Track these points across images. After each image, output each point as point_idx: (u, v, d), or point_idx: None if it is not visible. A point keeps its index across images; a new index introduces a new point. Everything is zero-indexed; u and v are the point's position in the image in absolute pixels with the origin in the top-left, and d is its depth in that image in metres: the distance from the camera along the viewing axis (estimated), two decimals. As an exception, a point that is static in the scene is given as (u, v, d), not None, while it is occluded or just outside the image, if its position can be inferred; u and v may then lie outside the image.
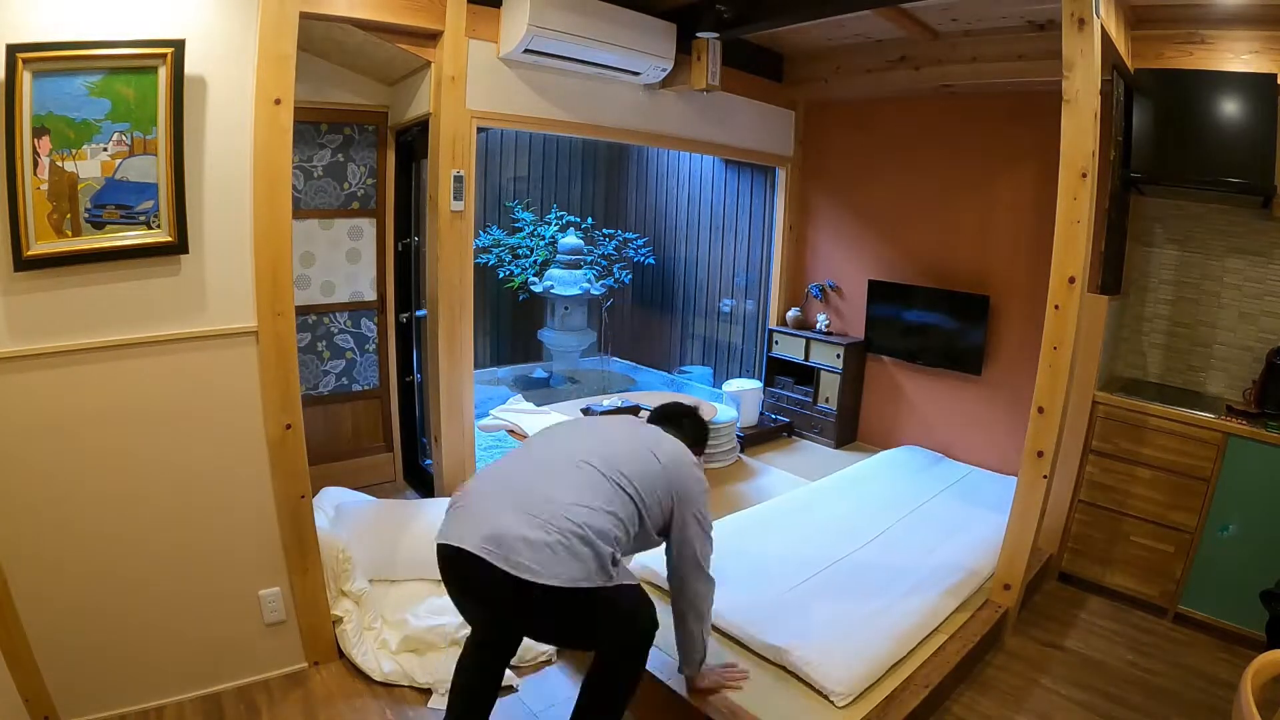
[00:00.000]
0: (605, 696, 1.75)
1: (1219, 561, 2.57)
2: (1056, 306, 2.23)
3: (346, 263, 3.39)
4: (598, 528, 1.57)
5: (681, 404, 2.19)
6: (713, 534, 1.87)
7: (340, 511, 2.78)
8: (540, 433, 1.94)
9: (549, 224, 5.27)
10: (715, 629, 2.29)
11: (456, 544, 1.53)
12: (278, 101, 1.92)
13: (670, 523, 1.81)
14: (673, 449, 1.86)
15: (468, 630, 2.22)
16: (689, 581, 1.84)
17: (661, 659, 2.16)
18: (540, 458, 1.78)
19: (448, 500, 3.02)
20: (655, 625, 1.73)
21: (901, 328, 4.02)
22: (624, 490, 1.68)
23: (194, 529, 1.99)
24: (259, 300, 1.97)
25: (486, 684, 1.84)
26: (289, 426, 2.06)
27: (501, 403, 3.69)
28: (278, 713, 2.04)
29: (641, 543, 1.80)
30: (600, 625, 1.64)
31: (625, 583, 1.63)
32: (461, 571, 1.57)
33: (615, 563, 1.60)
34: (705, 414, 2.14)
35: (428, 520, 2.80)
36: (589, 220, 5.44)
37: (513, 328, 5.59)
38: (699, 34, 3.13)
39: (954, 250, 3.80)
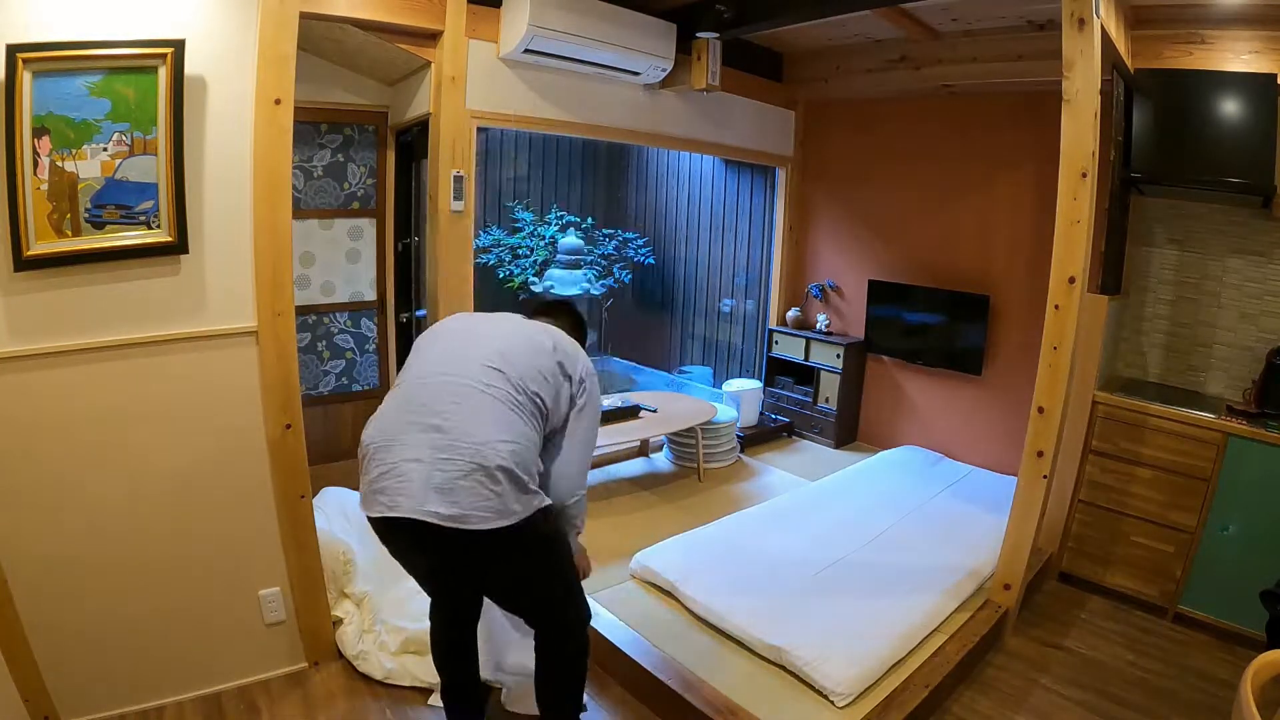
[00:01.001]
0: (555, 690, 1.77)
1: (1219, 561, 2.57)
2: (1056, 306, 2.23)
3: (346, 263, 3.39)
4: (523, 459, 1.52)
5: (554, 296, 2.05)
6: (594, 441, 1.77)
7: (345, 512, 2.78)
8: (429, 339, 1.77)
9: (549, 224, 5.27)
10: (715, 628, 2.29)
11: (393, 514, 1.47)
12: (278, 101, 1.92)
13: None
14: (566, 340, 1.77)
15: None
16: (567, 505, 1.71)
17: (655, 654, 2.16)
18: (442, 378, 1.61)
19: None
20: (588, 612, 1.77)
21: (901, 328, 4.02)
22: (535, 404, 1.61)
23: (194, 529, 1.99)
24: (259, 300, 1.97)
25: (464, 640, 1.88)
26: (289, 426, 2.06)
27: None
28: (278, 713, 2.04)
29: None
30: (537, 572, 1.65)
31: (551, 527, 1.63)
32: (403, 537, 1.57)
33: (533, 494, 1.54)
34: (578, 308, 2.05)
35: None
36: (589, 220, 5.44)
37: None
38: (699, 34, 3.13)
39: (954, 250, 3.80)
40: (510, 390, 1.58)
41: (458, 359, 1.64)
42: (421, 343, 1.78)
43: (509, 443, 1.51)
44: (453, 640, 1.88)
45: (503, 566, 1.61)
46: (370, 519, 1.56)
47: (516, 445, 1.52)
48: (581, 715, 1.88)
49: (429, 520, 1.45)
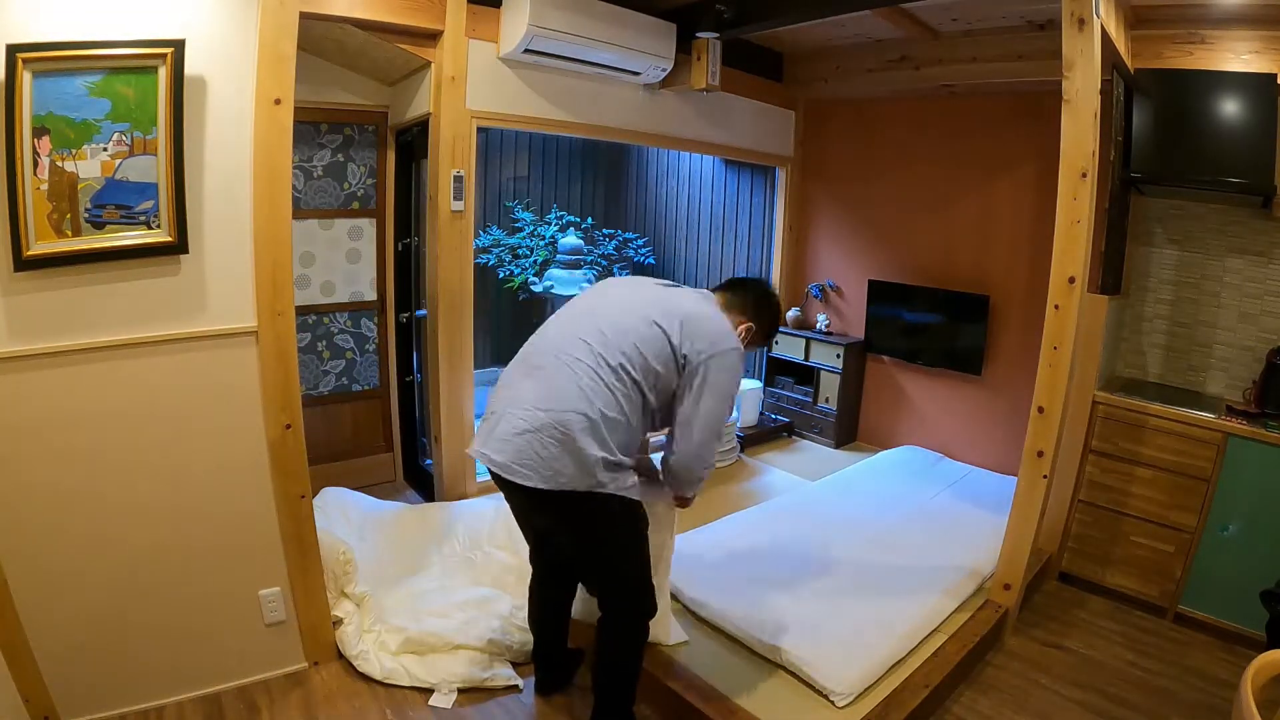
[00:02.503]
0: (608, 669, 1.85)
1: (1219, 561, 2.57)
2: (1056, 306, 2.23)
3: (346, 263, 3.39)
4: (580, 425, 1.57)
5: (754, 279, 2.06)
6: (723, 420, 1.75)
7: (345, 512, 2.78)
8: (569, 304, 1.89)
9: (549, 224, 5.27)
10: (715, 628, 2.29)
11: (481, 453, 1.67)
12: (278, 101, 1.92)
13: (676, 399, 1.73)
14: (700, 304, 1.76)
15: (467, 635, 2.22)
16: (687, 482, 1.81)
17: (655, 654, 2.16)
18: (546, 344, 1.74)
19: (448, 505, 3.03)
20: (650, 607, 1.82)
21: (901, 328, 4.02)
22: (623, 376, 1.63)
23: (194, 529, 1.99)
24: (259, 300, 1.97)
25: (554, 603, 2.04)
26: (289, 426, 2.06)
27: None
28: (278, 713, 2.04)
29: (650, 424, 1.77)
30: (599, 544, 1.73)
31: (629, 498, 1.66)
32: (494, 478, 1.70)
33: (610, 467, 1.60)
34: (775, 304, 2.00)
35: (432, 526, 2.80)
36: (589, 220, 5.43)
37: (513, 328, 5.58)
38: (699, 34, 3.13)
39: (954, 250, 3.80)
40: (596, 364, 1.63)
41: (565, 324, 1.77)
42: (567, 306, 1.88)
43: (574, 413, 1.58)
44: (541, 596, 2.04)
45: (559, 530, 1.79)
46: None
47: (585, 417, 1.59)
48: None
49: (493, 465, 1.64)
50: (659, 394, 1.70)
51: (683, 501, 1.98)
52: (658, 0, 3.07)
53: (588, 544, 1.77)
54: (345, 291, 3.41)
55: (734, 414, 4.08)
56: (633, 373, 1.64)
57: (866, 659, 2.05)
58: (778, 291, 4.36)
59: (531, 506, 1.74)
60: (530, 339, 1.81)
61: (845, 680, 1.97)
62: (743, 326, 1.87)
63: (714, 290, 1.93)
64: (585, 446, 1.57)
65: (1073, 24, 2.08)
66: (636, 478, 1.71)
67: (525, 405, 1.63)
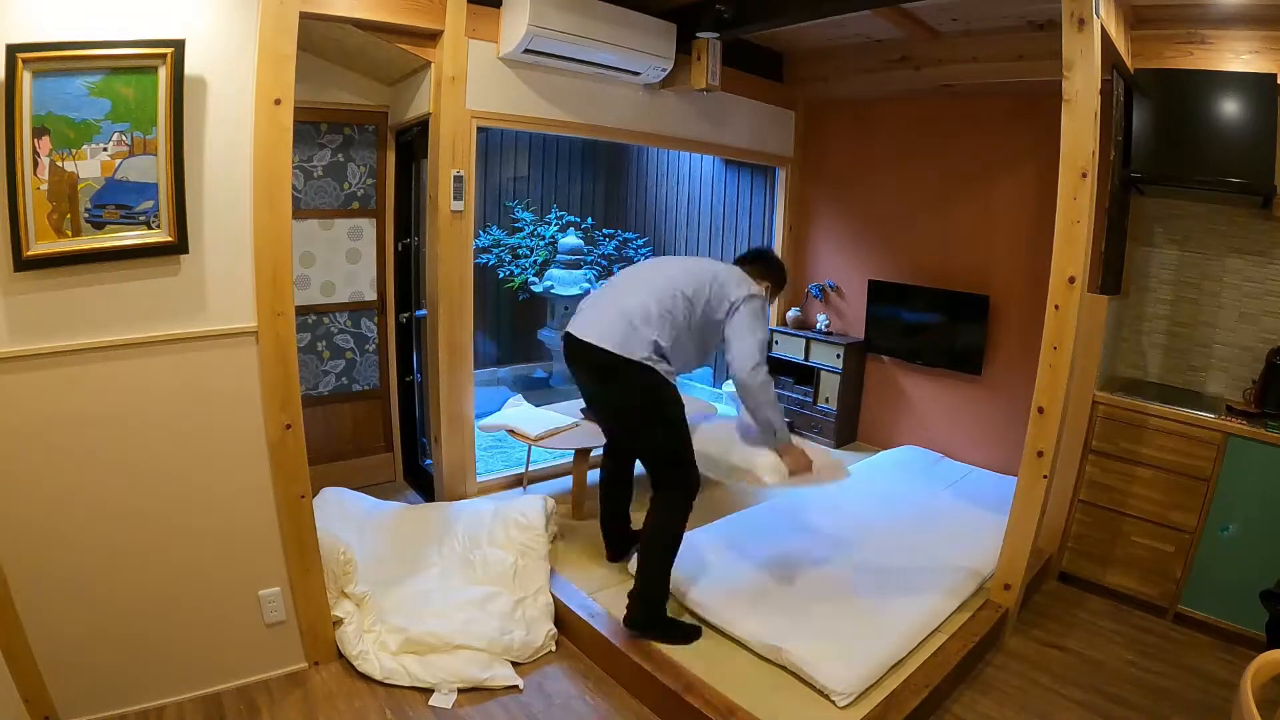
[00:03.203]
0: (646, 540, 2.30)
1: (1219, 561, 2.57)
2: (1056, 306, 2.23)
3: (346, 263, 3.39)
4: (641, 317, 2.20)
5: (759, 247, 2.92)
6: (758, 339, 2.29)
7: (345, 512, 2.78)
8: (631, 267, 2.56)
9: (549, 224, 5.27)
10: (716, 628, 2.29)
11: (568, 332, 2.31)
12: (278, 101, 1.92)
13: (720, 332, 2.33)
14: (730, 271, 2.40)
15: (467, 635, 2.23)
16: (741, 381, 2.26)
17: (656, 654, 2.17)
18: (617, 283, 2.42)
19: (447, 505, 3.05)
20: (690, 484, 2.30)
21: (901, 328, 4.02)
22: (673, 301, 2.24)
23: (194, 529, 1.99)
24: (259, 300, 1.97)
25: (614, 473, 2.69)
26: (289, 426, 2.06)
27: (502, 403, 3.69)
28: (278, 713, 2.04)
29: (698, 342, 2.34)
30: (641, 408, 2.25)
31: (670, 379, 2.23)
32: (569, 351, 2.34)
33: (658, 352, 2.19)
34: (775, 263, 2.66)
35: (432, 526, 2.80)
36: (589, 220, 5.43)
37: (513, 328, 5.59)
38: (699, 34, 3.13)
39: (954, 250, 3.80)
40: (655, 291, 2.27)
41: (630, 274, 2.47)
42: (630, 268, 2.57)
43: (638, 310, 2.22)
44: (606, 469, 2.71)
45: (612, 393, 2.32)
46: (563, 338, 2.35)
47: (645, 314, 2.21)
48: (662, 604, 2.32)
49: (576, 334, 2.27)
50: (704, 318, 2.30)
51: (788, 462, 2.35)
52: (657, 0, 3.07)
53: (632, 404, 2.27)
54: (345, 291, 3.41)
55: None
56: (679, 300, 2.26)
57: (867, 659, 2.05)
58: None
59: (594, 372, 2.27)
60: (614, 279, 2.48)
61: (846, 680, 1.97)
62: (762, 285, 2.47)
63: (736, 262, 2.57)
64: (642, 331, 2.18)
65: (1073, 24, 2.08)
66: (674, 375, 2.27)
67: (603, 307, 2.29)
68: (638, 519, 2.52)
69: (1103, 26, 2.11)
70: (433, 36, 2.70)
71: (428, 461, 3.42)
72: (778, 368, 4.49)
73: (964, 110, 3.68)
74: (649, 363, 2.18)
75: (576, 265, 5.19)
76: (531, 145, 5.35)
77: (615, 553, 2.72)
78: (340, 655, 2.26)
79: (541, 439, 3.05)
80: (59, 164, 1.66)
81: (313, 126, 3.17)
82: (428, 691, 2.14)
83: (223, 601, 2.07)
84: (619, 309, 2.25)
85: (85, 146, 1.69)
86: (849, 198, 4.26)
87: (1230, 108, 2.48)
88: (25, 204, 1.63)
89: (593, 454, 3.18)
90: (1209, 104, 2.51)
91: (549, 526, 2.71)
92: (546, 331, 5.40)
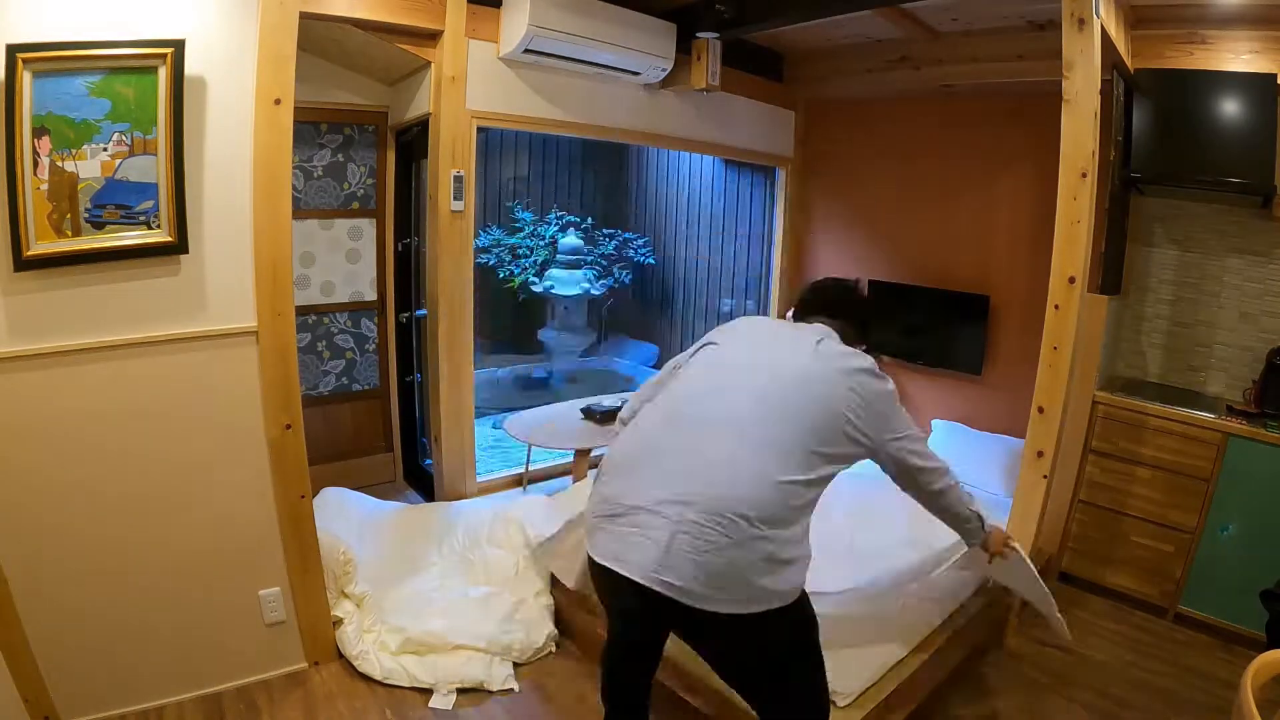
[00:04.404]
0: None
1: (1219, 561, 2.57)
2: (1056, 306, 2.23)
3: (346, 263, 3.39)
4: (777, 517, 1.31)
5: (833, 282, 1.76)
6: (919, 436, 1.59)
7: (345, 512, 2.78)
8: (685, 375, 1.58)
9: (549, 224, 5.27)
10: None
11: (614, 568, 1.32)
12: (278, 101, 1.92)
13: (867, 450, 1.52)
14: (840, 364, 1.48)
15: (467, 635, 2.22)
16: (919, 487, 1.62)
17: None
18: (694, 426, 1.41)
19: (447, 505, 3.00)
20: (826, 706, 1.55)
21: (902, 327, 4.01)
22: (810, 455, 1.39)
23: (194, 529, 1.99)
24: (259, 300, 1.97)
25: (640, 693, 1.59)
26: (289, 426, 2.06)
27: (499, 401, 3.69)
28: (278, 713, 2.04)
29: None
30: (777, 656, 1.43)
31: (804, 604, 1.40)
32: (617, 591, 1.34)
33: (791, 563, 1.34)
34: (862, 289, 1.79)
35: (432, 526, 2.79)
36: (589, 220, 5.43)
37: (513, 328, 5.59)
38: (699, 34, 3.13)
39: (954, 250, 3.79)
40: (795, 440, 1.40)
41: (712, 411, 1.44)
42: (678, 390, 1.55)
43: (764, 500, 1.33)
44: (635, 670, 1.59)
45: (739, 650, 1.42)
46: (589, 562, 1.41)
47: (771, 500, 1.34)
48: None
49: (647, 585, 1.27)
50: (834, 459, 1.48)
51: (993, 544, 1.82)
52: (658, 0, 3.07)
53: (750, 670, 1.46)
54: (345, 291, 3.41)
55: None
56: (812, 460, 1.41)
57: (867, 659, 2.05)
58: (777, 291, 4.41)
59: (669, 627, 1.40)
60: (677, 390, 1.53)
61: (845, 680, 1.97)
62: (861, 348, 1.63)
63: (815, 317, 1.67)
64: (775, 546, 1.30)
65: (1073, 24, 2.08)
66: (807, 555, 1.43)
67: (695, 488, 1.31)
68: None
69: (1103, 26, 2.11)
70: (433, 36, 2.70)
71: (428, 461, 3.42)
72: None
73: (964, 110, 3.68)
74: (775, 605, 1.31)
75: (576, 265, 5.19)
76: (531, 145, 5.35)
77: None
78: (340, 655, 2.26)
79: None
80: (59, 164, 1.66)
81: (313, 126, 3.17)
82: (427, 692, 2.14)
83: (223, 601, 2.07)
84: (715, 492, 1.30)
85: (85, 146, 1.69)
86: (849, 198, 4.26)
87: (1230, 108, 2.48)
88: (25, 204, 1.63)
89: (593, 453, 3.19)
90: (1209, 104, 2.51)
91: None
92: (546, 331, 5.40)
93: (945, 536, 2.16)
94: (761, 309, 4.68)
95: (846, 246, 4.29)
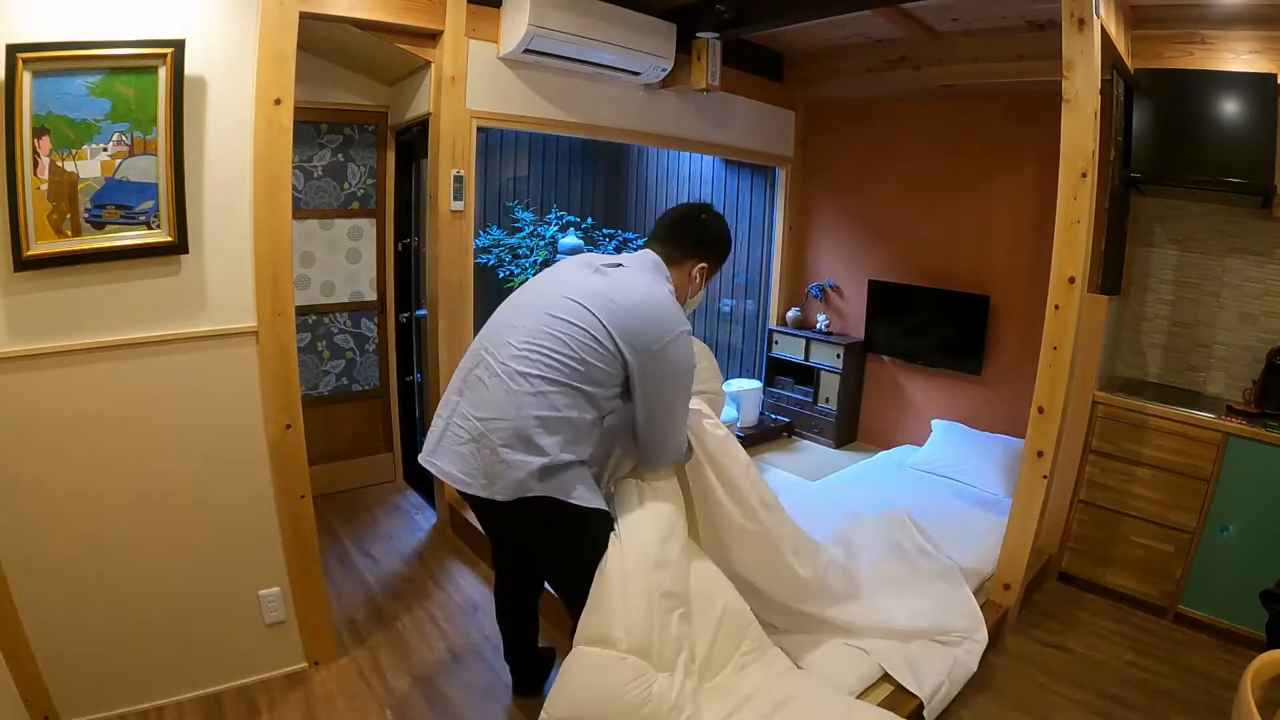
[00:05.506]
0: None
1: (1219, 561, 2.57)
2: (1056, 306, 2.23)
3: (346, 263, 3.39)
4: (506, 433, 1.52)
5: (684, 209, 1.85)
6: (684, 417, 1.72)
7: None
8: (515, 292, 1.79)
9: (549, 224, 5.27)
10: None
11: (430, 462, 1.66)
12: (278, 101, 1.92)
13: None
14: (631, 298, 1.60)
15: None
16: (648, 465, 1.76)
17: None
18: (482, 341, 1.68)
19: None
20: None
21: (901, 327, 4.02)
22: (551, 373, 1.53)
23: (194, 529, 1.99)
24: (259, 300, 1.97)
25: (516, 605, 2.05)
26: (289, 426, 2.06)
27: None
28: (278, 713, 2.04)
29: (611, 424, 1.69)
30: (548, 553, 1.71)
31: (591, 506, 1.57)
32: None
33: (547, 473, 1.51)
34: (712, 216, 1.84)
35: None
36: (589, 220, 5.43)
37: (513, 328, 5.58)
38: (699, 34, 3.13)
39: (954, 250, 3.80)
40: (521, 364, 1.56)
41: (500, 318, 1.72)
42: (512, 295, 1.80)
43: (500, 420, 1.54)
44: (502, 600, 2.07)
45: (511, 535, 1.83)
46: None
47: (511, 424, 1.53)
48: None
49: (439, 476, 1.64)
50: (602, 386, 1.59)
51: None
52: (658, 0, 3.07)
53: (538, 551, 1.79)
54: (345, 291, 3.41)
55: (723, 411, 4.07)
56: (561, 368, 1.54)
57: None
58: (777, 291, 4.40)
59: (484, 512, 1.70)
60: (474, 342, 1.73)
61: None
62: (696, 270, 1.78)
63: (649, 243, 1.81)
64: (513, 455, 1.50)
65: (1073, 24, 2.08)
66: (588, 478, 1.60)
67: (463, 413, 1.60)
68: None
69: (1103, 26, 2.11)
70: (433, 36, 2.70)
71: (428, 461, 3.42)
72: (779, 368, 4.50)
73: (964, 110, 3.68)
74: (531, 494, 1.53)
75: (576, 265, 5.18)
76: (531, 145, 5.35)
77: (527, 683, 2.13)
78: (339, 656, 2.25)
79: None
80: (59, 164, 1.66)
81: (313, 126, 3.17)
82: (428, 693, 2.14)
83: (223, 601, 2.07)
84: (481, 410, 1.58)
85: (85, 146, 1.69)
86: (849, 198, 4.26)
87: (1230, 108, 2.48)
88: (25, 204, 1.63)
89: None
90: (1209, 104, 2.51)
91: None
92: (546, 331, 5.39)
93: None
94: (761, 309, 4.68)
95: (846, 246, 4.29)
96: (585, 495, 1.58)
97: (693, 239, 1.79)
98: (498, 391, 1.56)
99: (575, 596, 1.66)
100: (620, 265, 1.72)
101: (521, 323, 1.63)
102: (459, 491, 1.62)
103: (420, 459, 1.69)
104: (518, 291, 1.79)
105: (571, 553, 1.66)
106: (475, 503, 1.63)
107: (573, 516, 1.57)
